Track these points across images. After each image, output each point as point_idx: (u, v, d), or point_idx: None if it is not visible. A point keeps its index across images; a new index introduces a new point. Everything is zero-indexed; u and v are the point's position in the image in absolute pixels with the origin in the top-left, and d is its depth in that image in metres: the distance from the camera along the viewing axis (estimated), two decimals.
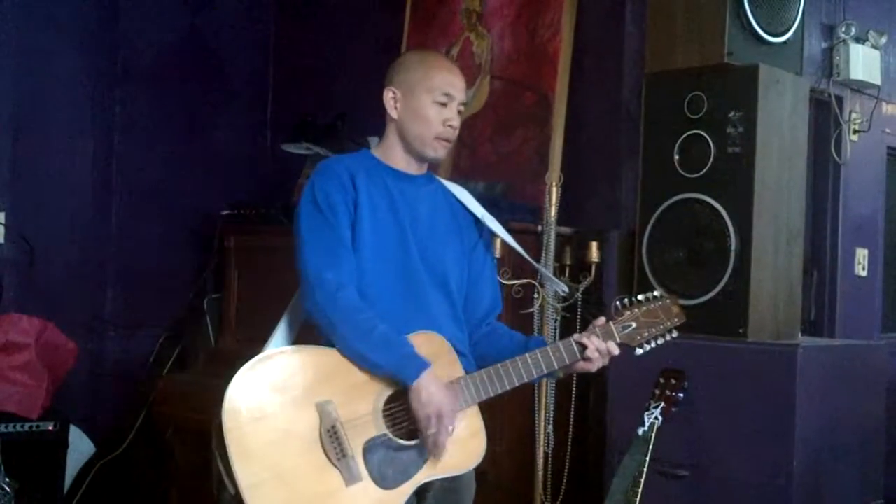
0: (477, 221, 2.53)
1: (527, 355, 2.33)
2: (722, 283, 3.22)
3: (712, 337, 3.20)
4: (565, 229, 3.59)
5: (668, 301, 2.44)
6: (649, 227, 3.41)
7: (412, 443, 2.24)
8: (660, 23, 3.48)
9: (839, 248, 4.38)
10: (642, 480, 2.74)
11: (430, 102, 2.39)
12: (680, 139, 3.35)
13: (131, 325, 4.47)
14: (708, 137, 3.28)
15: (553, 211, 3.50)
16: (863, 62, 4.31)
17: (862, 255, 4.52)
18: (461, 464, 2.30)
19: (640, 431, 2.80)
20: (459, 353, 2.36)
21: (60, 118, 4.31)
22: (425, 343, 2.28)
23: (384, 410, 2.24)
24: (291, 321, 2.49)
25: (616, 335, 2.37)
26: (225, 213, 4.36)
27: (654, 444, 2.79)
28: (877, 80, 4.41)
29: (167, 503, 4.11)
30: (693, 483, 3.17)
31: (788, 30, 3.42)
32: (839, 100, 4.34)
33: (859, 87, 4.42)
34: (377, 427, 2.22)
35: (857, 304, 4.46)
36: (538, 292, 3.48)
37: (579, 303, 3.49)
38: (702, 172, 3.30)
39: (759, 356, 3.13)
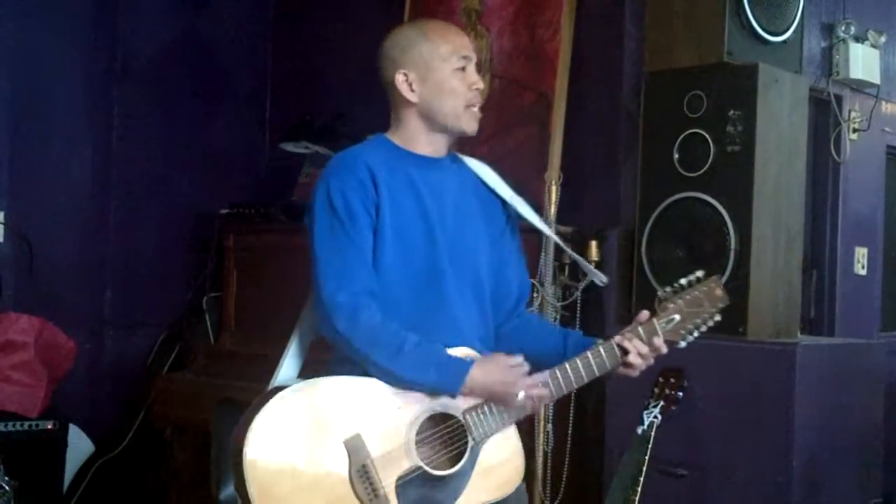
0: (504, 204, 2.35)
1: (566, 366, 2.14)
2: (721, 283, 3.22)
3: (712, 336, 3.18)
4: (565, 228, 3.59)
5: (711, 284, 2.26)
6: (649, 226, 3.41)
7: (448, 472, 2.09)
8: (659, 22, 3.48)
9: (838, 247, 4.38)
10: (641, 479, 2.73)
11: (451, 71, 2.20)
12: (679, 138, 3.34)
13: (130, 324, 4.47)
14: (707, 136, 3.28)
15: (552, 209, 3.51)
16: (862, 61, 4.30)
17: (861, 253, 4.52)
18: (500, 489, 2.15)
19: (640, 430, 2.80)
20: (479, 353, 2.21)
21: (59, 117, 4.31)
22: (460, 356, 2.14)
23: (417, 439, 2.08)
24: (301, 340, 2.32)
25: (660, 332, 2.19)
26: (224, 212, 4.36)
27: (653, 443, 2.78)
28: (876, 80, 4.41)
29: (166, 502, 4.11)
30: (692, 482, 3.17)
31: (788, 29, 3.42)
32: (838, 99, 4.34)
33: (859, 86, 4.42)
34: (410, 459, 2.07)
35: (857, 303, 4.46)
36: (538, 291, 3.48)
37: (579, 301, 3.48)
38: (701, 171, 3.29)
39: (759, 355, 3.13)
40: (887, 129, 4.66)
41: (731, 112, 3.24)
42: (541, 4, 3.89)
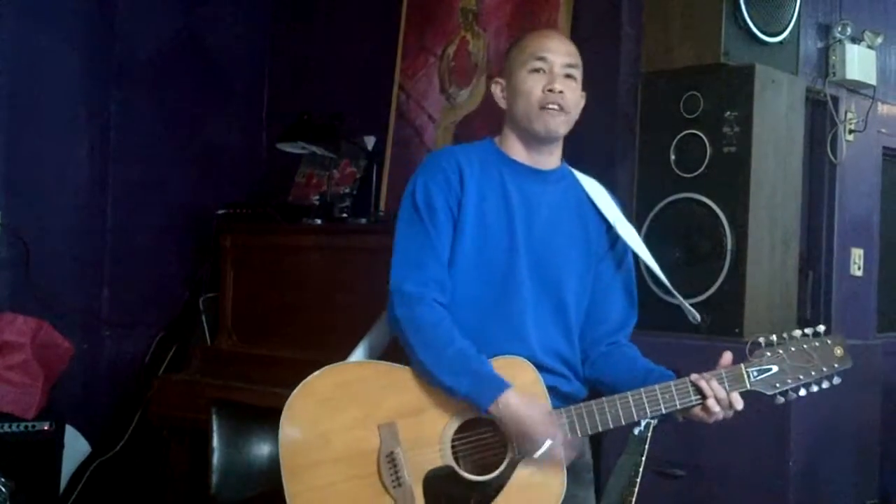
0: (610, 227, 2.28)
1: (629, 395, 2.06)
2: (718, 283, 3.22)
3: (708, 336, 3.19)
4: None
5: (828, 341, 2.08)
6: (645, 227, 3.41)
7: (479, 478, 2.05)
8: (656, 22, 3.48)
9: (835, 247, 4.37)
10: (638, 480, 2.73)
11: (527, 74, 2.17)
12: (676, 139, 3.35)
13: (127, 324, 4.47)
14: (704, 137, 3.28)
15: None
16: (858, 62, 4.30)
17: (858, 254, 4.52)
18: None
19: (636, 431, 2.78)
20: (552, 372, 2.15)
21: (56, 117, 4.30)
22: (507, 368, 2.07)
23: (454, 440, 2.06)
24: (374, 340, 2.32)
25: (748, 381, 2.05)
26: (221, 212, 4.36)
27: (650, 444, 2.78)
28: (872, 81, 4.41)
29: (163, 503, 4.10)
30: (689, 483, 3.17)
31: (784, 30, 3.42)
32: (835, 100, 4.34)
33: (855, 88, 4.42)
34: (443, 457, 2.05)
35: (853, 304, 4.46)
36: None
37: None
38: (698, 172, 3.30)
39: None
40: (883, 130, 4.66)
41: (728, 113, 3.24)
42: (537, 5, 3.90)
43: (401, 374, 2.10)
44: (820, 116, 4.33)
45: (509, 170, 2.21)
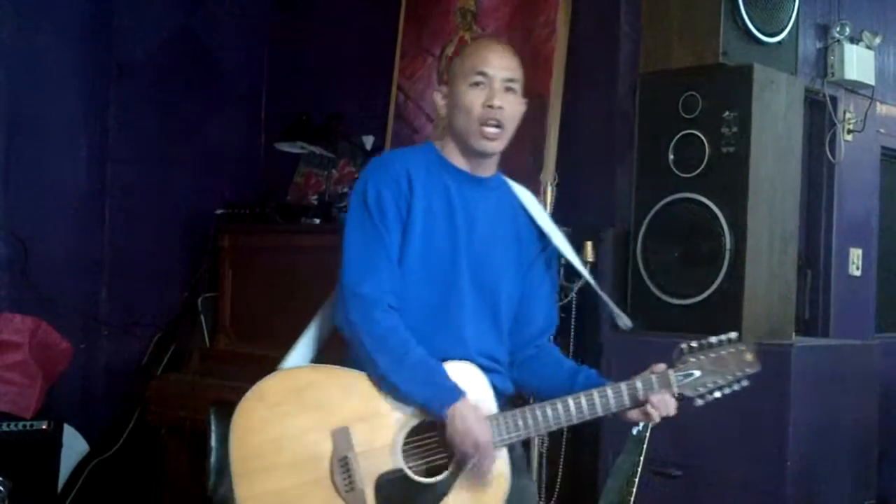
0: (541, 235, 2.35)
1: (569, 400, 2.12)
2: (716, 283, 3.22)
3: (706, 336, 3.19)
4: (560, 229, 3.58)
5: (741, 347, 2.20)
6: (644, 227, 3.41)
7: (429, 481, 2.10)
8: (654, 23, 3.48)
9: (833, 247, 4.38)
10: (636, 480, 2.73)
11: (467, 87, 2.20)
12: (674, 139, 3.35)
13: (125, 324, 4.46)
14: (702, 137, 3.29)
15: (547, 210, 3.50)
16: (857, 62, 4.31)
17: (856, 254, 4.52)
18: None
19: (635, 431, 2.79)
20: (492, 371, 2.21)
21: (54, 117, 4.30)
22: (457, 373, 2.13)
23: (405, 444, 2.11)
24: (317, 333, 2.34)
25: (674, 385, 2.15)
26: (219, 212, 4.35)
27: (648, 444, 2.78)
28: (871, 81, 4.42)
29: (160, 503, 4.10)
30: (687, 483, 3.18)
31: (783, 30, 3.42)
32: (833, 100, 4.34)
33: (853, 88, 4.43)
34: (394, 461, 2.09)
35: (852, 304, 4.47)
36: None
37: (574, 303, 3.48)
38: (696, 172, 3.30)
39: None
40: (882, 130, 4.66)
41: (727, 113, 3.24)
42: (536, 5, 3.89)
43: (353, 379, 2.13)
44: (818, 116, 4.34)
45: (451, 176, 2.25)
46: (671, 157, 3.36)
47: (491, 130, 2.21)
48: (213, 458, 2.61)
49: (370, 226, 2.16)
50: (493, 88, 2.21)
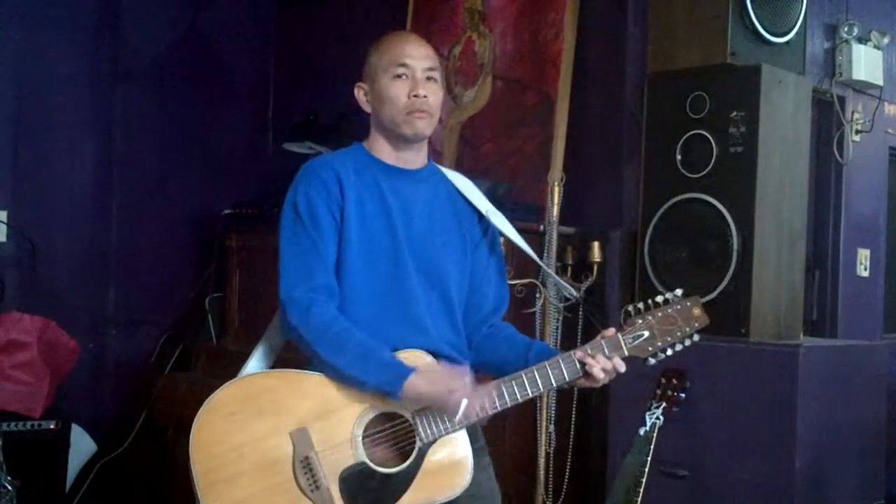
0: (481, 217, 2.37)
1: (522, 374, 2.15)
2: (724, 283, 3.22)
3: (714, 337, 3.19)
4: (567, 229, 3.59)
5: (687, 303, 2.22)
6: (651, 227, 3.41)
7: (391, 470, 2.12)
8: (662, 22, 3.48)
9: (841, 248, 4.37)
10: (644, 480, 2.74)
11: (390, 80, 2.24)
12: (682, 139, 3.34)
13: (133, 323, 4.48)
14: (710, 137, 3.28)
15: (555, 210, 3.50)
16: (865, 62, 4.30)
17: (864, 255, 4.51)
18: (444, 491, 2.14)
19: (642, 431, 2.80)
20: (450, 360, 2.22)
21: (62, 117, 4.31)
22: (406, 361, 2.14)
23: (364, 437, 2.12)
24: (271, 342, 2.38)
25: (625, 347, 2.18)
26: (226, 212, 4.36)
27: (655, 444, 2.78)
28: (879, 81, 4.41)
29: (168, 502, 4.11)
30: (694, 483, 3.17)
31: (791, 30, 3.41)
32: (841, 100, 4.34)
33: (862, 88, 4.42)
34: (355, 455, 2.11)
35: (859, 305, 4.46)
36: (540, 292, 3.48)
37: (581, 303, 3.48)
38: (704, 172, 3.29)
39: (761, 356, 3.13)
40: (890, 130, 4.65)
41: (734, 113, 3.24)
42: (544, 5, 3.89)
43: (306, 380, 2.16)
44: (826, 117, 4.33)
45: (382, 172, 2.27)
46: (679, 157, 3.35)
47: (421, 115, 2.24)
48: None
49: (303, 233, 2.20)
50: (415, 79, 2.24)
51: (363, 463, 2.11)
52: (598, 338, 2.20)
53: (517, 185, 3.80)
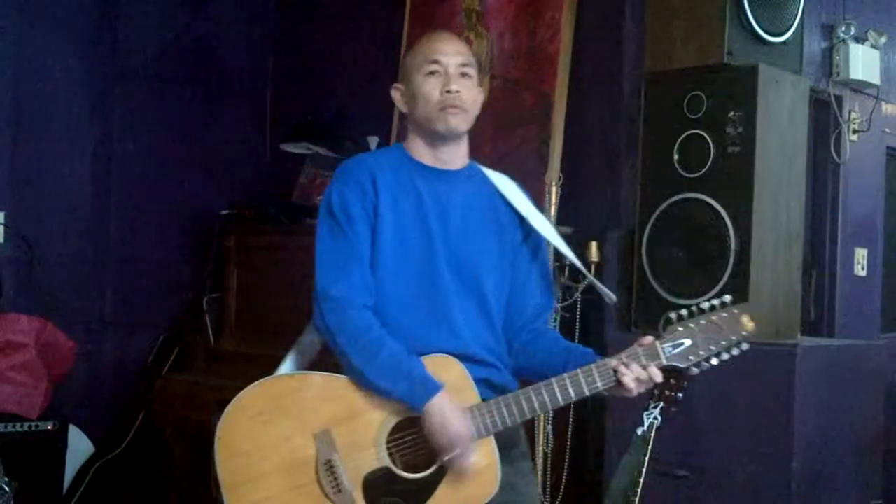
0: (523, 219, 2.34)
1: (553, 382, 2.11)
2: (721, 283, 3.22)
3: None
4: (565, 229, 3.58)
5: (735, 310, 2.15)
6: (649, 227, 3.41)
7: (416, 476, 2.10)
8: (659, 22, 3.48)
9: (839, 248, 4.37)
10: (641, 480, 2.73)
11: (424, 78, 2.23)
12: (679, 139, 3.34)
13: (130, 324, 4.47)
14: (707, 137, 3.28)
15: (552, 210, 3.51)
16: (862, 62, 4.30)
17: (861, 255, 4.52)
18: (469, 499, 2.12)
19: (640, 431, 2.79)
20: (484, 364, 2.20)
21: (60, 118, 4.31)
22: (434, 367, 2.12)
23: (389, 441, 2.11)
24: (308, 340, 2.34)
25: (663, 356, 2.12)
26: (224, 212, 4.36)
27: (653, 444, 2.78)
28: (876, 80, 4.41)
29: (166, 503, 4.11)
30: (692, 483, 3.17)
31: (788, 29, 3.41)
32: (839, 99, 4.34)
33: (859, 87, 4.42)
34: (379, 459, 2.10)
35: (857, 305, 4.46)
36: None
37: (579, 303, 3.48)
38: (701, 172, 3.29)
39: (759, 356, 3.10)
40: (887, 129, 4.66)
41: (732, 113, 3.24)
42: (541, 5, 3.89)
43: (331, 383, 2.14)
44: (824, 116, 4.33)
45: (419, 173, 2.26)
46: (676, 156, 3.35)
47: (454, 111, 2.22)
48: None
49: (338, 231, 2.19)
50: (448, 75, 2.23)
51: (387, 467, 2.10)
52: (635, 346, 2.16)
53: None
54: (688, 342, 2.13)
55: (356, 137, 4.33)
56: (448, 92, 2.21)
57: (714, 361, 2.14)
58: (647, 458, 2.75)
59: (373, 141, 4.34)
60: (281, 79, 4.96)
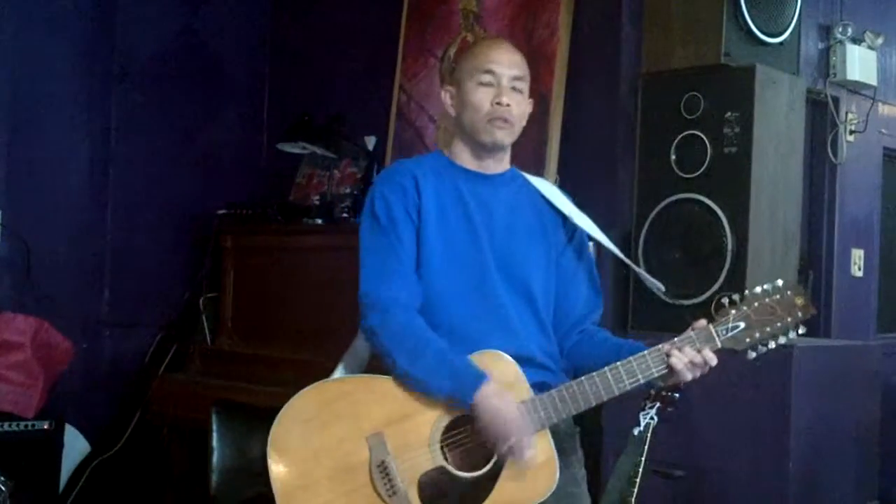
0: (566, 220, 2.32)
1: (606, 370, 2.07)
2: (718, 284, 3.22)
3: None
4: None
5: (788, 292, 2.10)
6: (646, 228, 3.41)
7: (472, 475, 2.07)
8: (657, 23, 3.48)
9: (835, 248, 4.38)
10: (638, 481, 2.73)
11: (475, 86, 2.21)
12: (676, 139, 3.35)
13: (127, 324, 4.47)
14: (704, 138, 3.29)
15: None
16: (859, 63, 4.31)
17: (858, 255, 4.52)
18: (529, 497, 2.06)
19: (636, 431, 2.79)
20: (542, 367, 2.18)
21: (57, 117, 4.30)
22: (483, 362, 2.09)
23: (442, 440, 2.08)
24: (358, 349, 2.31)
25: (718, 339, 2.09)
26: (221, 212, 4.36)
27: (649, 445, 2.78)
28: (873, 81, 4.41)
29: (162, 502, 4.10)
30: (689, 483, 3.17)
31: (785, 30, 3.42)
32: (835, 100, 4.34)
33: (856, 88, 4.42)
34: (433, 459, 2.07)
35: (853, 305, 4.47)
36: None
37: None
38: (698, 173, 3.30)
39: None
40: (884, 130, 4.66)
41: (729, 113, 3.24)
42: (538, 6, 3.89)
43: (381, 385, 2.13)
44: (820, 117, 4.34)
45: (461, 176, 2.25)
46: (673, 157, 3.36)
47: (502, 124, 2.22)
48: (215, 458, 2.62)
49: (380, 234, 2.17)
50: (500, 86, 2.22)
51: (442, 467, 2.07)
52: (689, 330, 2.11)
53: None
54: (742, 324, 2.10)
55: (353, 137, 4.33)
56: (499, 104, 2.21)
57: (772, 344, 2.11)
58: (643, 459, 2.75)
59: (370, 141, 4.34)
60: (278, 78, 4.95)
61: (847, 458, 3.33)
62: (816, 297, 4.34)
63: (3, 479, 3.33)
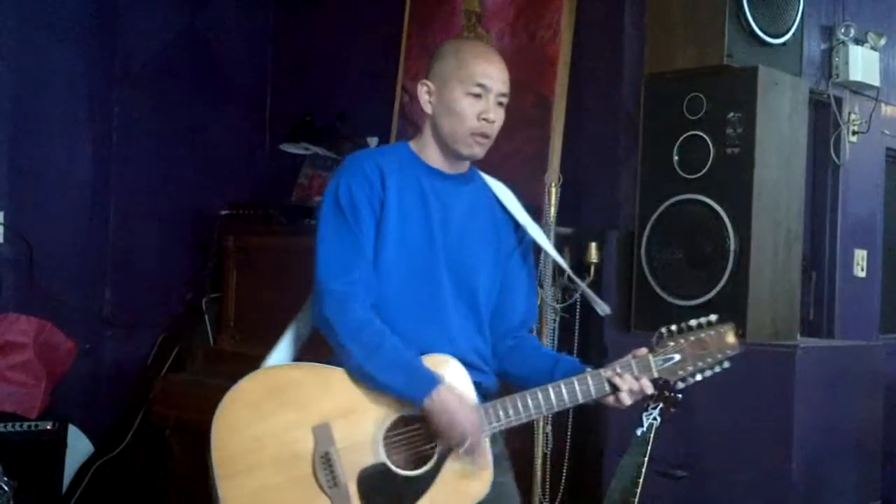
0: (518, 227, 2.37)
1: (549, 388, 2.14)
2: (721, 284, 3.22)
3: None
4: (564, 230, 3.59)
5: (721, 329, 2.21)
6: (648, 228, 3.41)
7: (412, 473, 2.12)
8: (659, 24, 3.48)
9: (838, 248, 4.38)
10: (641, 481, 2.73)
11: (463, 95, 2.20)
12: (679, 140, 3.34)
13: (130, 324, 4.48)
14: (707, 138, 3.28)
15: (552, 211, 3.50)
16: (862, 64, 4.31)
17: (861, 256, 4.52)
18: (462, 497, 2.14)
19: (639, 432, 2.79)
20: (476, 369, 2.22)
21: (59, 118, 4.31)
22: (435, 365, 2.14)
23: (385, 438, 2.12)
24: (298, 332, 2.35)
25: (654, 369, 2.18)
26: (223, 213, 4.36)
27: (652, 445, 2.78)
28: (876, 82, 4.41)
29: (165, 503, 4.11)
30: (692, 484, 3.17)
31: (788, 31, 3.42)
32: (838, 101, 4.34)
33: (858, 89, 4.42)
34: (375, 455, 2.10)
35: (856, 305, 4.46)
36: (537, 293, 3.48)
37: (578, 303, 3.48)
38: (701, 173, 3.29)
39: (758, 357, 3.12)
40: (886, 131, 4.66)
41: (731, 114, 3.24)
42: (541, 6, 3.90)
43: (332, 376, 2.14)
44: (823, 118, 4.34)
45: (425, 173, 2.26)
46: (676, 158, 3.36)
47: (481, 140, 2.24)
48: None
49: (342, 224, 2.17)
50: (489, 101, 2.22)
51: (383, 464, 2.11)
52: (629, 356, 2.20)
53: (514, 187, 3.79)
54: (677, 357, 2.19)
55: (355, 138, 4.33)
56: (485, 119, 2.22)
57: (698, 377, 2.21)
58: (646, 459, 2.75)
59: (372, 141, 4.34)
60: (280, 79, 4.96)
61: (850, 458, 3.33)
62: (819, 298, 4.34)
63: (6, 479, 3.34)
